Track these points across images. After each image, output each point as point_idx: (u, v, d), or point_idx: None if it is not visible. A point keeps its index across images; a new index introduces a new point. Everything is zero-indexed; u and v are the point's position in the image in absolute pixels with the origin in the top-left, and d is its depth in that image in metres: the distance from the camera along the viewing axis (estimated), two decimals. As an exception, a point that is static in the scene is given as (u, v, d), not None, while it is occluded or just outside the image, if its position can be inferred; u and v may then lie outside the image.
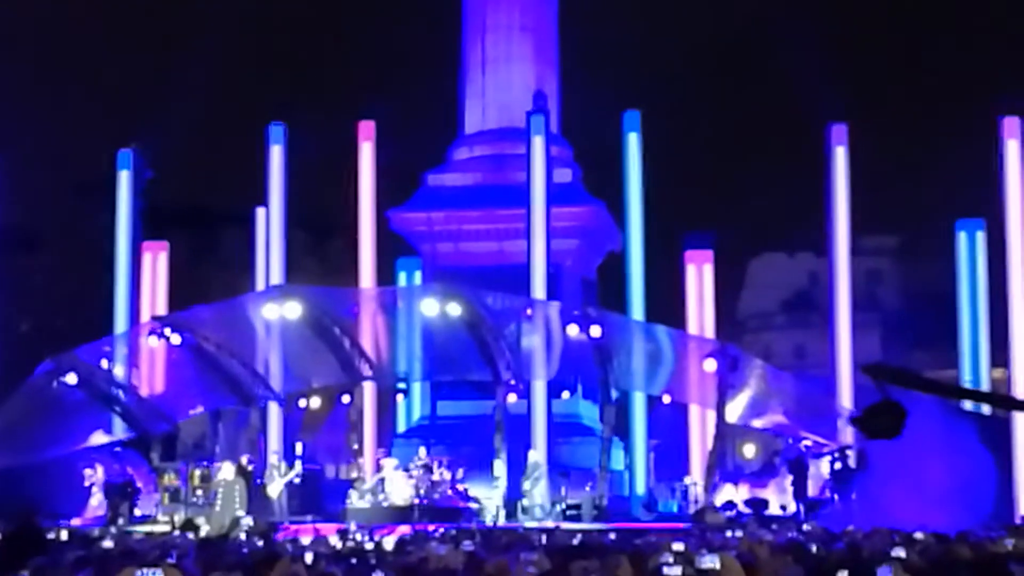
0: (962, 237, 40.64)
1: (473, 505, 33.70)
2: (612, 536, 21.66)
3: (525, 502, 33.85)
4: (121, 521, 33.81)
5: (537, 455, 34.64)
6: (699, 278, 40.24)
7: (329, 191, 45.01)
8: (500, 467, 34.33)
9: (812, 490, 34.92)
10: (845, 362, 38.87)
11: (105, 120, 61.16)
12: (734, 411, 35.47)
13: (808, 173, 41.84)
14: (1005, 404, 25.78)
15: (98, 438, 37.37)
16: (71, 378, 34.98)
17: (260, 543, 21.05)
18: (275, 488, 34.09)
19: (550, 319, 34.87)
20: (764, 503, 34.93)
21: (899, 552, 13.21)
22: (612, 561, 11.64)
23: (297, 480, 34.89)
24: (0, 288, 40.48)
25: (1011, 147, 38.46)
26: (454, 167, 44.44)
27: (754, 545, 16.39)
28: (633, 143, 39.57)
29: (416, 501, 33.13)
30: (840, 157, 39.34)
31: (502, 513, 33.66)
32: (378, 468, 35.82)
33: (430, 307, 33.66)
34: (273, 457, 35.86)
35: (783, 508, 35.03)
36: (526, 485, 34.20)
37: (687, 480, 38.16)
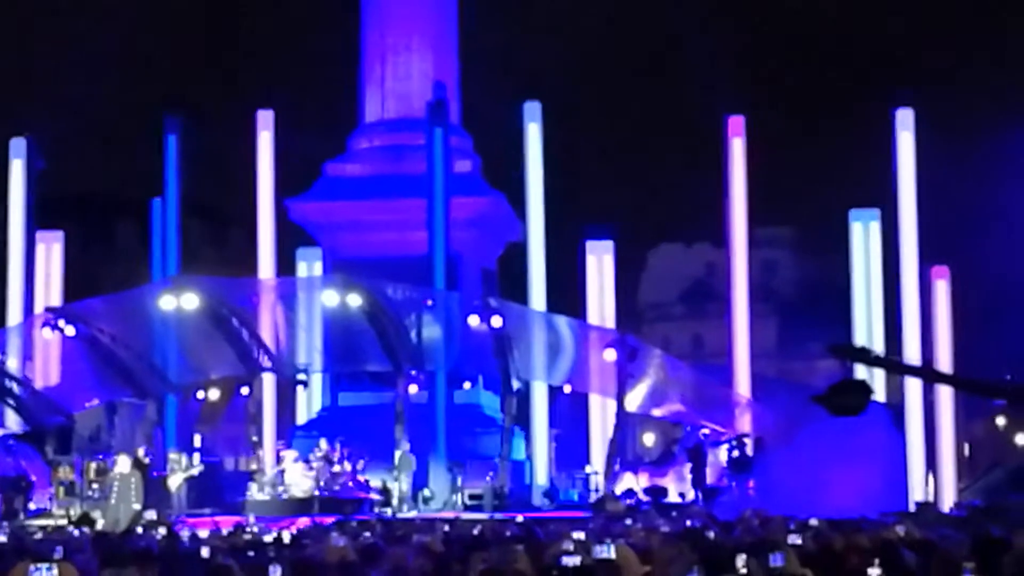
0: (856, 227, 41.26)
1: (374, 496, 33.62)
2: (514, 526, 21.71)
3: (395, 491, 33.65)
4: (16, 516, 33.26)
5: (405, 446, 34.46)
6: (599, 269, 40.45)
7: (227, 181, 44.64)
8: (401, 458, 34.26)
9: (711, 478, 35.31)
10: (743, 351, 39.33)
11: (-3, 108, 60.06)
12: (634, 400, 35.76)
13: (705, 164, 42.28)
14: (967, 387, 26.16)
15: (-9, 431, 36.73)
16: (-38, 371, 34.35)
17: (159, 537, 20.80)
18: (175, 481, 33.71)
19: (451, 309, 34.90)
20: (663, 491, 35.25)
21: (793, 538, 13.40)
22: (510, 552, 11.68)
23: (195, 475, 34.54)
24: None
25: (904, 139, 39.16)
26: (353, 157, 44.21)
27: (650, 533, 16.53)
28: (533, 134, 39.69)
29: (316, 493, 32.98)
30: (737, 149, 39.76)
31: (403, 503, 33.63)
32: (278, 460, 35.61)
33: (330, 298, 33.52)
34: (173, 451, 35.45)
35: (682, 496, 35.37)
36: (395, 476, 34.03)
37: (588, 469, 38.38)
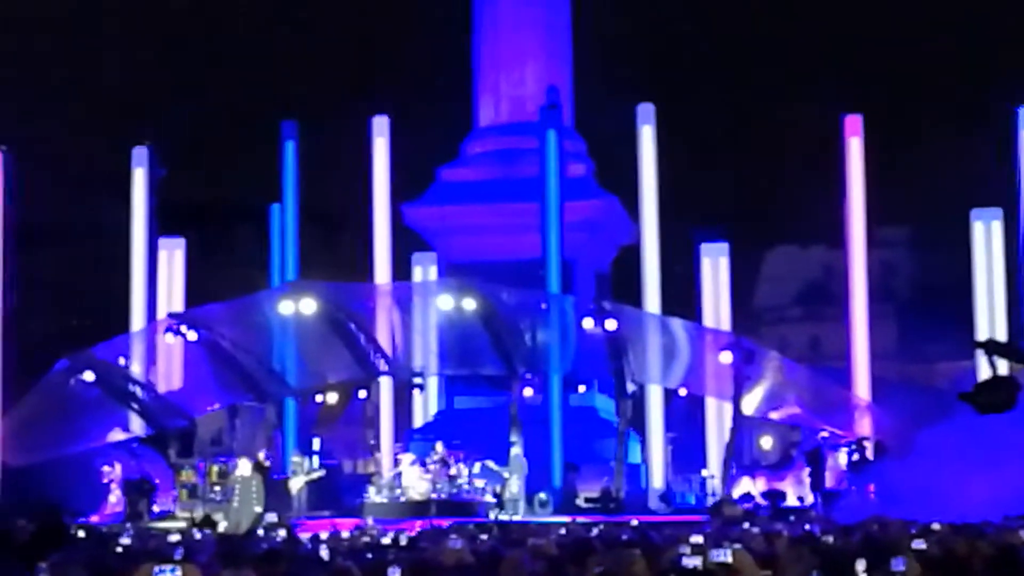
0: (978, 227, 40.49)
1: (489, 499, 33.72)
2: (629, 530, 21.65)
3: (506, 494, 33.67)
4: (140, 518, 33.91)
5: (518, 450, 34.47)
6: (714, 271, 40.19)
7: (343, 187, 45.07)
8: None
9: (830, 481, 34.89)
10: (862, 353, 38.79)
11: (119, 117, 61.30)
12: (750, 403, 35.46)
13: (821, 165, 41.76)
14: None
15: (116, 435, 37.50)
16: (88, 376, 35.12)
17: (280, 539, 21.09)
18: (296, 483, 34.11)
19: (565, 313, 34.89)
20: (781, 495, 34.92)
21: (915, 543, 13.20)
22: (627, 555, 11.65)
23: (316, 479, 34.90)
24: (15, 286, 40.57)
25: (1026, 137, 38.37)
26: (467, 162, 44.44)
27: (771, 537, 16.38)
28: (647, 136, 39.55)
29: (433, 496, 33.16)
30: (854, 148, 39.25)
31: (521, 506, 33.69)
32: (395, 463, 35.87)
33: (445, 302, 33.71)
34: (296, 454, 35.86)
35: (800, 500, 35.02)
36: (506, 476, 34.02)
37: (704, 473, 38.14)
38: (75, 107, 67.97)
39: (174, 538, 22.11)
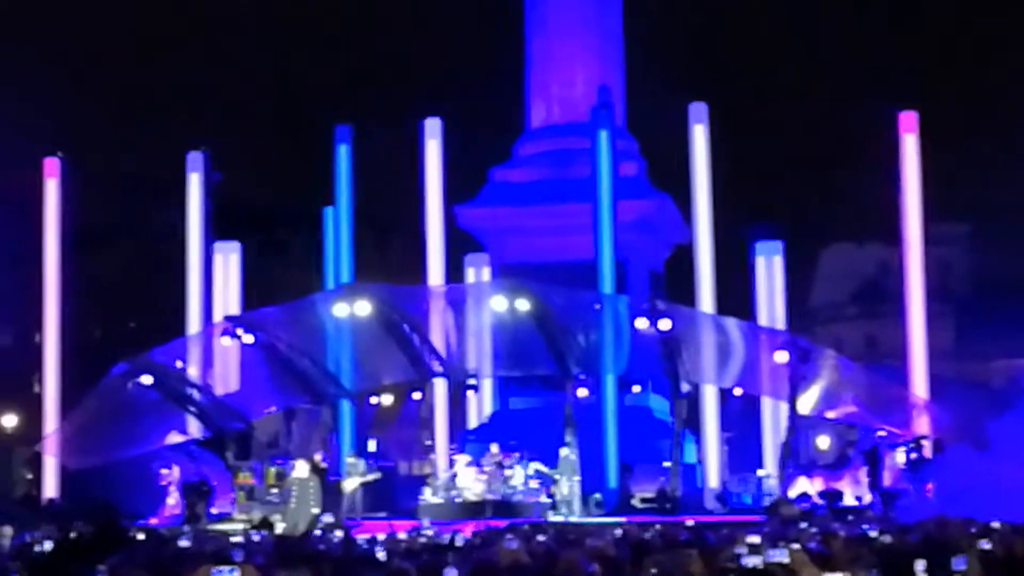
0: (1035, 223, 40.08)
1: (545, 500, 33.69)
2: (684, 530, 21.58)
3: (557, 495, 33.61)
4: (198, 520, 34.15)
5: (567, 451, 34.40)
6: (768, 269, 39.99)
7: (396, 189, 45.22)
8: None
9: (887, 481, 34.61)
10: (919, 351, 38.46)
11: (174, 121, 61.79)
12: (807, 403, 35.23)
13: (876, 162, 41.45)
14: None
15: (173, 438, 37.77)
16: (146, 379, 35.40)
17: (337, 540, 21.18)
18: (350, 484, 34.23)
19: (618, 313, 34.81)
20: (839, 495, 34.68)
21: (975, 542, 13.08)
22: (683, 555, 11.62)
23: (371, 480, 35.00)
24: (73, 291, 41.00)
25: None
26: (519, 163, 44.46)
27: (828, 537, 16.28)
28: (699, 135, 39.39)
29: (488, 497, 33.18)
30: (910, 145, 38.93)
31: (576, 507, 33.65)
32: (451, 464, 35.92)
33: (499, 303, 33.72)
34: (350, 456, 35.99)
35: (858, 499, 34.77)
36: (555, 477, 33.96)
37: (761, 473, 37.94)
38: (130, 112, 68.60)
39: (232, 540, 22.25)
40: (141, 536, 23.61)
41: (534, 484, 33.94)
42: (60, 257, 40.51)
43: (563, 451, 34.03)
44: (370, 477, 34.88)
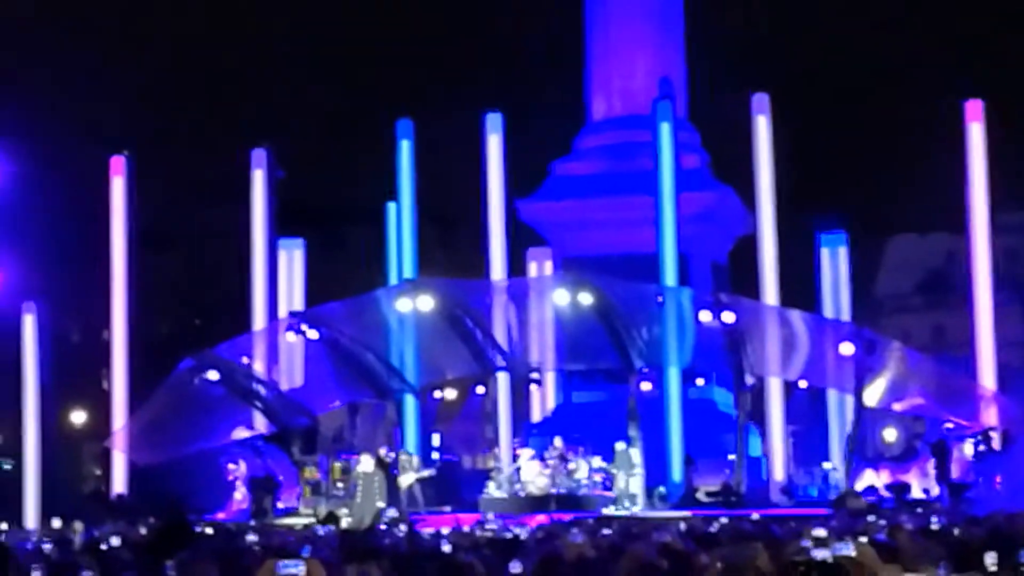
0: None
1: (609, 494, 33.66)
2: (750, 523, 21.49)
3: (615, 489, 33.49)
4: (264, 515, 34.40)
5: (623, 445, 34.29)
6: (833, 261, 39.70)
7: (458, 184, 45.29)
8: (636, 455, 34.24)
9: (955, 473, 34.29)
10: (987, 342, 38.02)
11: (237, 119, 62.23)
12: (873, 395, 34.96)
13: (941, 151, 41.03)
14: None
15: (240, 433, 38.08)
16: (212, 375, 35.70)
17: (401, 534, 21.27)
18: (405, 480, 34.31)
19: (682, 306, 34.70)
20: (906, 487, 34.41)
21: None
22: (749, 548, 11.54)
23: (426, 477, 35.05)
24: (139, 288, 41.41)
25: None
26: (581, 156, 44.40)
27: (896, 530, 16.14)
28: (762, 126, 39.11)
29: (552, 491, 33.18)
30: (976, 134, 38.50)
31: (640, 501, 33.59)
32: (514, 458, 35.96)
33: (561, 297, 33.70)
34: (404, 452, 36.10)
35: (926, 492, 34.48)
36: (612, 472, 33.88)
37: (827, 465, 37.70)
38: (194, 111, 69.15)
39: (299, 534, 22.39)
40: (209, 531, 23.82)
41: (598, 478, 33.91)
42: (127, 254, 40.92)
43: (619, 445, 33.98)
44: (424, 473, 34.98)
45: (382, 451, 35.06)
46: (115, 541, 17.88)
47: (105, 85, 66.18)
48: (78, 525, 23.80)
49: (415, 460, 35.47)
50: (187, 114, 69.28)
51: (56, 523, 28.11)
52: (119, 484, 39.35)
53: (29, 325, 40.09)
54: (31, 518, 37.82)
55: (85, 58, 66.51)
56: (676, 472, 36.12)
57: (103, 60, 66.49)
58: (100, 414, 44.86)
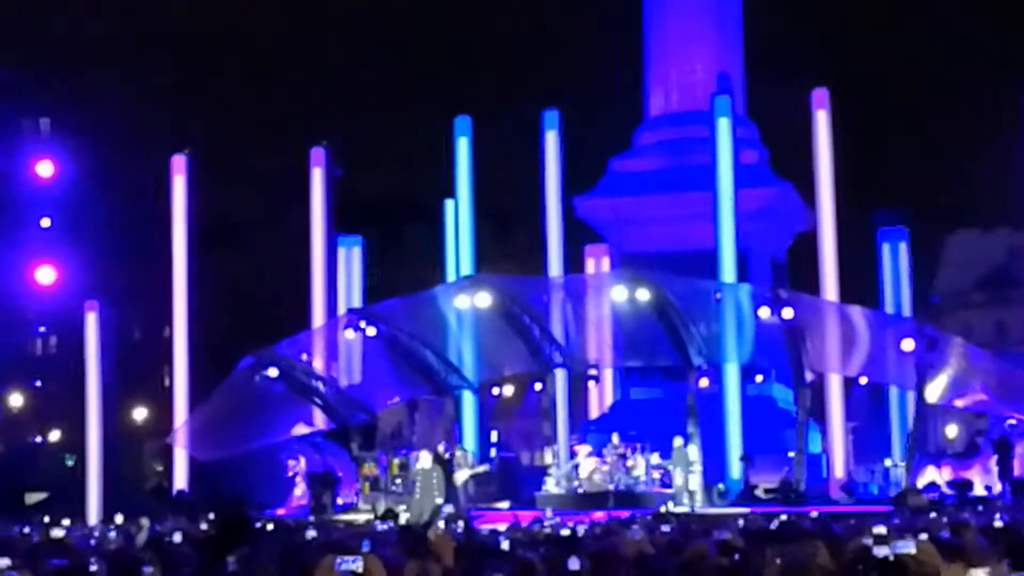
0: None
1: (667, 490, 33.57)
2: (810, 520, 21.33)
3: (674, 485, 33.36)
4: (324, 510, 34.57)
5: (680, 441, 34.16)
6: (894, 256, 39.38)
7: (516, 181, 45.31)
8: (694, 452, 34.13)
9: (1018, 470, 33.93)
10: (1049, 338, 37.59)
11: (294, 118, 62.57)
12: (934, 391, 34.64)
13: (1003, 147, 40.58)
14: None
15: (300, 429, 38.30)
16: (272, 372, 35.93)
17: (459, 530, 21.30)
18: (460, 477, 34.34)
19: (740, 302, 34.53)
20: (968, 484, 34.06)
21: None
22: (809, 545, 11.47)
23: (480, 472, 35.08)
24: (200, 286, 41.72)
25: None
26: (638, 152, 44.29)
27: (958, 527, 16.00)
28: (821, 121, 38.80)
29: (610, 487, 33.14)
30: (1038, 127, 38.02)
31: (699, 497, 33.48)
32: (572, 455, 35.95)
33: (619, 293, 33.63)
34: (458, 448, 36.15)
35: (988, 489, 34.13)
36: (669, 468, 33.76)
37: (887, 462, 37.41)
38: (253, 110, 69.60)
39: (357, 530, 22.48)
40: (269, 527, 23.96)
41: (656, 475, 33.83)
42: (188, 253, 41.24)
43: (676, 442, 33.89)
44: (479, 469, 35.02)
45: (440, 447, 35.14)
46: (177, 537, 18.02)
47: (165, 84, 66.76)
48: (145, 521, 24.02)
49: (470, 456, 35.53)
50: (247, 112, 69.75)
51: (119, 519, 28.36)
52: (180, 480, 39.70)
53: (92, 323, 40.51)
54: (93, 514, 38.22)
55: (145, 58, 67.13)
56: (734, 469, 35.96)
57: (163, 60, 67.08)
58: (161, 411, 45.28)
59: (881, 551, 9.34)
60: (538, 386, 38.37)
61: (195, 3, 70.87)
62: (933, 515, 23.47)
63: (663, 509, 31.03)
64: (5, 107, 66.48)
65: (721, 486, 34.58)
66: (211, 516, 24.31)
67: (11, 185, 65.11)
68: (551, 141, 41.23)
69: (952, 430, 60.84)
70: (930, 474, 35.16)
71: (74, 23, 67.29)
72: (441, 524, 25.50)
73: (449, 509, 31.11)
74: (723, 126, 38.14)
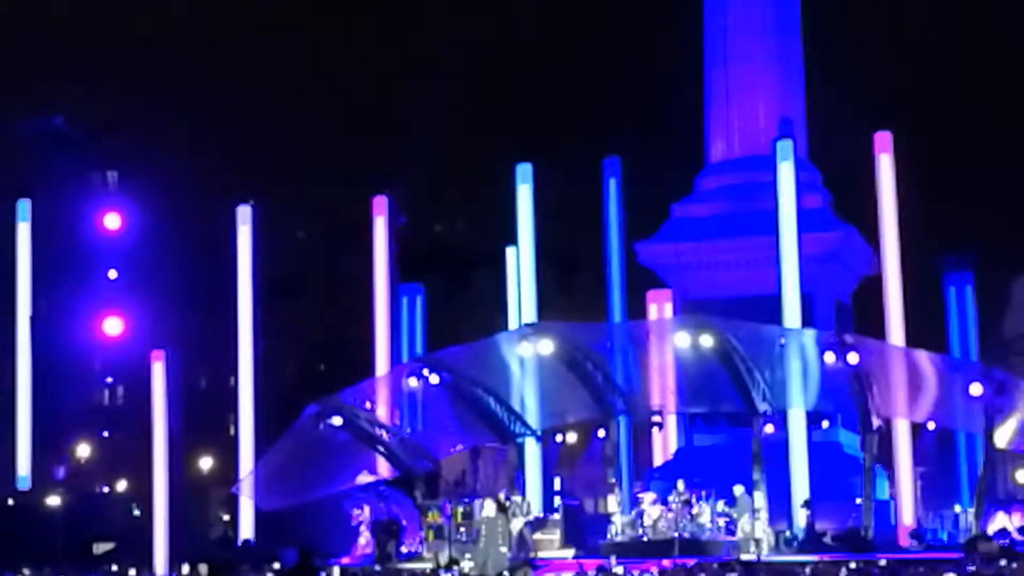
0: None
1: (732, 538, 33.29)
2: (878, 568, 21.10)
3: (739, 533, 33.07)
4: (389, 559, 34.56)
5: (741, 489, 33.85)
6: (960, 300, 39.02)
7: (578, 227, 45.37)
8: (760, 499, 33.86)
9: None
10: (1121, 382, 36.97)
11: (357, 167, 63.04)
12: (1004, 436, 34.21)
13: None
14: None
15: (364, 478, 38.38)
16: (336, 420, 36.08)
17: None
18: (516, 524, 34.17)
19: (805, 347, 34.30)
20: (1039, 531, 33.56)
21: None
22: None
23: (533, 519, 34.94)
24: (266, 335, 42.04)
25: None
26: (701, 198, 44.24)
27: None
28: (885, 164, 38.54)
29: (676, 535, 32.93)
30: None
31: (766, 546, 33.18)
32: (636, 502, 35.77)
33: (682, 339, 33.53)
34: (515, 494, 36.03)
35: (1060, 536, 33.59)
36: (734, 516, 33.49)
37: (957, 509, 36.91)
38: (316, 159, 70.22)
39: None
40: (335, 575, 24.02)
41: (721, 522, 33.57)
42: (253, 302, 41.59)
43: (737, 490, 33.63)
44: (531, 515, 34.87)
45: (501, 496, 35.05)
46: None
47: (230, 134, 67.51)
48: (204, 568, 24.16)
49: (526, 504, 35.43)
50: (311, 161, 70.34)
51: (185, 569, 28.55)
52: (246, 530, 39.85)
53: (158, 372, 40.88)
54: (160, 564, 38.44)
55: (210, 107, 67.95)
56: (799, 516, 35.58)
57: (228, 109, 67.87)
58: (227, 460, 45.52)
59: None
60: (601, 433, 38.23)
61: (259, 53, 71.69)
62: (1003, 562, 23.13)
63: (736, 559, 30.81)
64: (73, 160, 67.53)
65: (788, 533, 34.25)
66: (277, 566, 24.38)
67: (79, 238, 66.03)
68: (612, 188, 41.29)
69: (1022, 475, 59.92)
70: (1000, 520, 34.64)
71: (137, 74, 68.26)
72: (506, 573, 25.50)
73: (508, 555, 30.97)
74: (786, 170, 38.01)
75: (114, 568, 33.81)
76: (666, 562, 27.66)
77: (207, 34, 73.52)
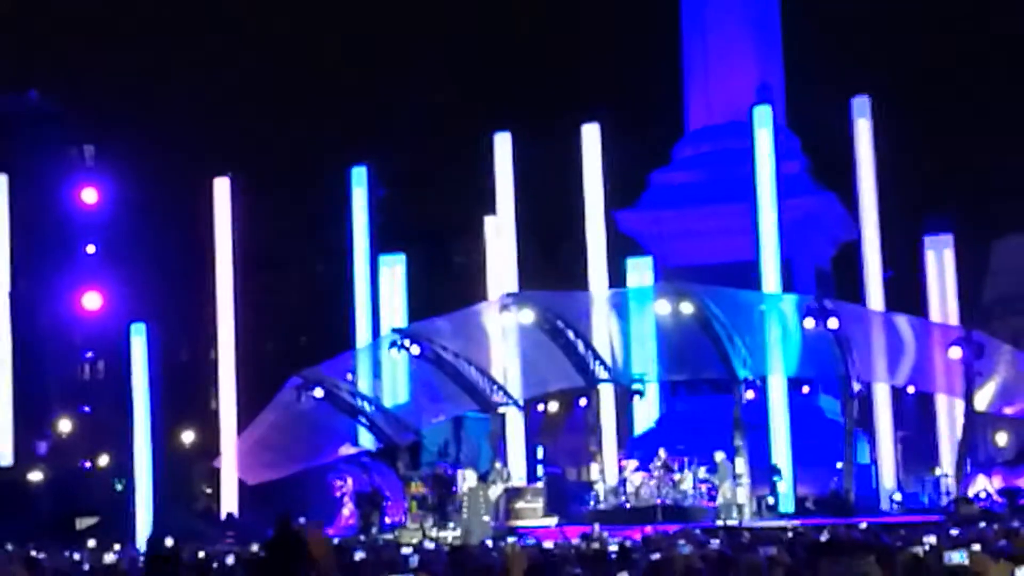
0: None
1: (713, 504, 33.41)
2: (859, 532, 21.21)
3: (719, 499, 33.17)
4: (372, 530, 34.63)
5: (722, 455, 33.96)
6: (939, 264, 39.07)
7: (557, 196, 45.27)
8: (741, 464, 33.99)
9: (1071, 477, 33.61)
10: (1100, 344, 37.18)
11: (336, 139, 62.84)
12: (983, 399, 34.38)
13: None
14: None
15: (347, 450, 38.40)
16: (318, 392, 36.07)
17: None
18: (495, 491, 34.26)
19: (785, 313, 34.38)
20: (1020, 492, 33.75)
21: None
22: (861, 557, 11.40)
23: (513, 487, 35.03)
24: (246, 308, 41.94)
25: None
26: (679, 165, 44.23)
27: (1010, 535, 15.87)
28: (863, 129, 38.59)
29: (657, 502, 33.04)
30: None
31: (748, 511, 33.31)
32: (619, 470, 35.87)
33: (662, 307, 33.58)
34: (497, 463, 36.10)
35: (1040, 497, 33.79)
36: (715, 482, 33.61)
37: (937, 471, 37.11)
38: (294, 131, 69.96)
39: (407, 550, 22.52)
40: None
41: (703, 488, 33.70)
42: (233, 274, 41.47)
43: (718, 456, 33.74)
44: (511, 483, 34.97)
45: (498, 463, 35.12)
46: (229, 560, 18.12)
47: (208, 106, 67.21)
48: (168, 541, 24.13)
49: (505, 471, 35.51)
50: (289, 134, 70.09)
51: (168, 542, 28.52)
52: (229, 503, 39.85)
53: (138, 346, 40.77)
54: (143, 538, 38.42)
55: (187, 80, 67.62)
56: (776, 482, 35.70)
57: (205, 82, 67.56)
58: (209, 434, 45.49)
59: (955, 556, 9.31)
60: (583, 402, 38.37)
61: (233, 29, 71.36)
62: (983, 524, 23.27)
63: (719, 523, 30.91)
64: (50, 135, 67.17)
65: (770, 499, 34.40)
66: (261, 538, 24.40)
67: (57, 212, 65.76)
68: (591, 156, 41.21)
69: (1002, 438, 60.32)
70: (981, 483, 34.85)
71: (118, 51, 67.90)
72: (511, 539, 25.52)
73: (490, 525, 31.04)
74: (763, 136, 38.03)
75: (96, 542, 33.80)
76: (648, 529, 27.72)
77: (185, 5, 73.15)
